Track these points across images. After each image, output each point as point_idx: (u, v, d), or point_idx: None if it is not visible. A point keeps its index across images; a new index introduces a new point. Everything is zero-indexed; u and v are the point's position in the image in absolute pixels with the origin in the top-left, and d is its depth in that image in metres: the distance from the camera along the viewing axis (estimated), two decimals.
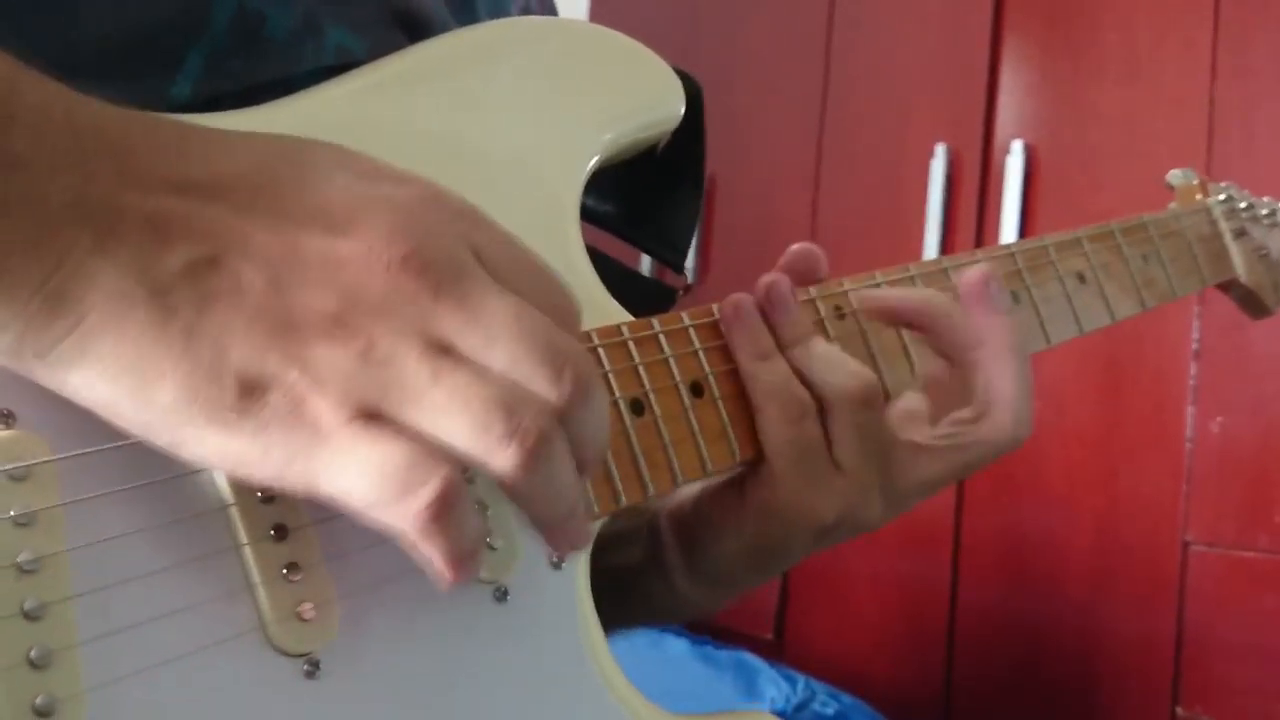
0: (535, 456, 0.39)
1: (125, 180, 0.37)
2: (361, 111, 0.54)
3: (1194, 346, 1.86)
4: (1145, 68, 1.95)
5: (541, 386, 0.40)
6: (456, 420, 0.38)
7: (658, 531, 0.65)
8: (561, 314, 0.43)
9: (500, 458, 0.39)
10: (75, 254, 0.36)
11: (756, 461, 0.60)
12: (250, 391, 0.37)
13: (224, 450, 0.38)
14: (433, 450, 0.38)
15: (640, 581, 0.66)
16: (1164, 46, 1.94)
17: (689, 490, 0.64)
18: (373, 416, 0.38)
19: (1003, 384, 0.63)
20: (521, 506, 0.41)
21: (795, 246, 0.64)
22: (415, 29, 0.60)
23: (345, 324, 0.38)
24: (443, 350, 0.39)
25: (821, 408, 0.59)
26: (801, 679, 1.95)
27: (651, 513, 0.66)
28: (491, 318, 0.39)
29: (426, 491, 0.37)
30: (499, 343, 0.39)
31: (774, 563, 0.63)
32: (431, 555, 0.39)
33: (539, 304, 0.41)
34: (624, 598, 0.65)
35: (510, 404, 0.39)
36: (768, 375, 0.59)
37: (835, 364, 0.60)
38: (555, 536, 0.44)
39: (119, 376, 0.36)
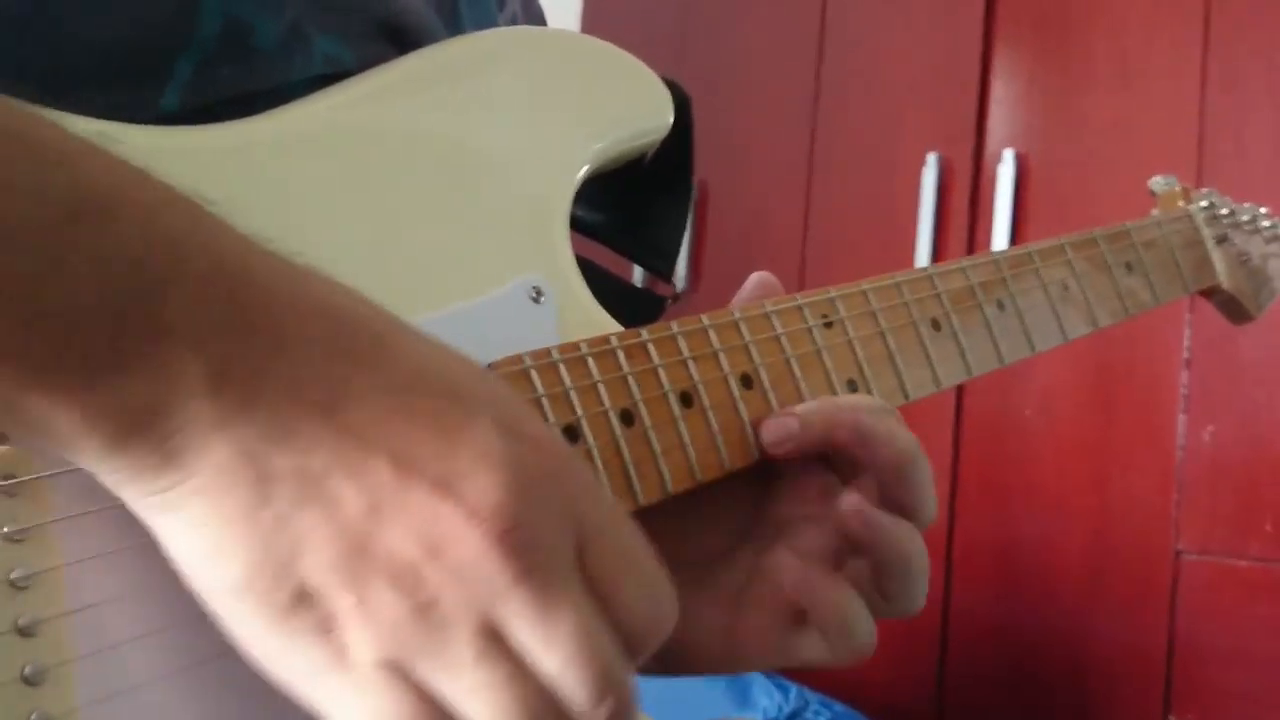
0: None
1: (269, 368, 0.37)
2: (352, 121, 0.54)
3: (1185, 355, 1.86)
4: (1136, 77, 1.96)
5: (579, 705, 0.39)
6: (473, 707, 0.38)
7: None
8: (643, 632, 0.42)
9: None
10: (199, 425, 0.36)
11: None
12: (301, 600, 0.37)
13: (253, 640, 0.38)
14: None
15: None
16: (1154, 55, 1.95)
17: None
18: (400, 669, 0.38)
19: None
20: None
21: (752, 277, 0.64)
22: (403, 40, 0.60)
23: (417, 576, 0.38)
24: (498, 636, 0.38)
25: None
26: (794, 687, 1.95)
27: None
28: (559, 623, 0.39)
29: None
30: (555, 650, 0.39)
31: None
32: None
33: (628, 608, 0.41)
34: None
35: (537, 716, 0.38)
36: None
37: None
38: None
39: (199, 539, 0.37)
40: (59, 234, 0.34)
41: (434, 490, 0.38)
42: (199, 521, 0.37)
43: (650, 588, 0.43)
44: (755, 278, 0.64)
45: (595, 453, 0.54)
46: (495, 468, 0.39)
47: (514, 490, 0.39)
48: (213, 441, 0.36)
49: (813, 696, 1.95)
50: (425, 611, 0.38)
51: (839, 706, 1.94)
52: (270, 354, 0.37)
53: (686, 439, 0.57)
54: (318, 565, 0.37)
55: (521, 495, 0.39)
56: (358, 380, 0.39)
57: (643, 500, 0.55)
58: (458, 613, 0.38)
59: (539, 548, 0.39)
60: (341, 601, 0.37)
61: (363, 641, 0.37)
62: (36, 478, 0.39)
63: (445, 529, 0.38)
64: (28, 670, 0.37)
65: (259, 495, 0.37)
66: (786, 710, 1.90)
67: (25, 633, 0.38)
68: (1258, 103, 1.85)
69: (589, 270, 0.59)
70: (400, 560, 0.38)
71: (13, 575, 0.38)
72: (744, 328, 0.61)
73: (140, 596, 0.41)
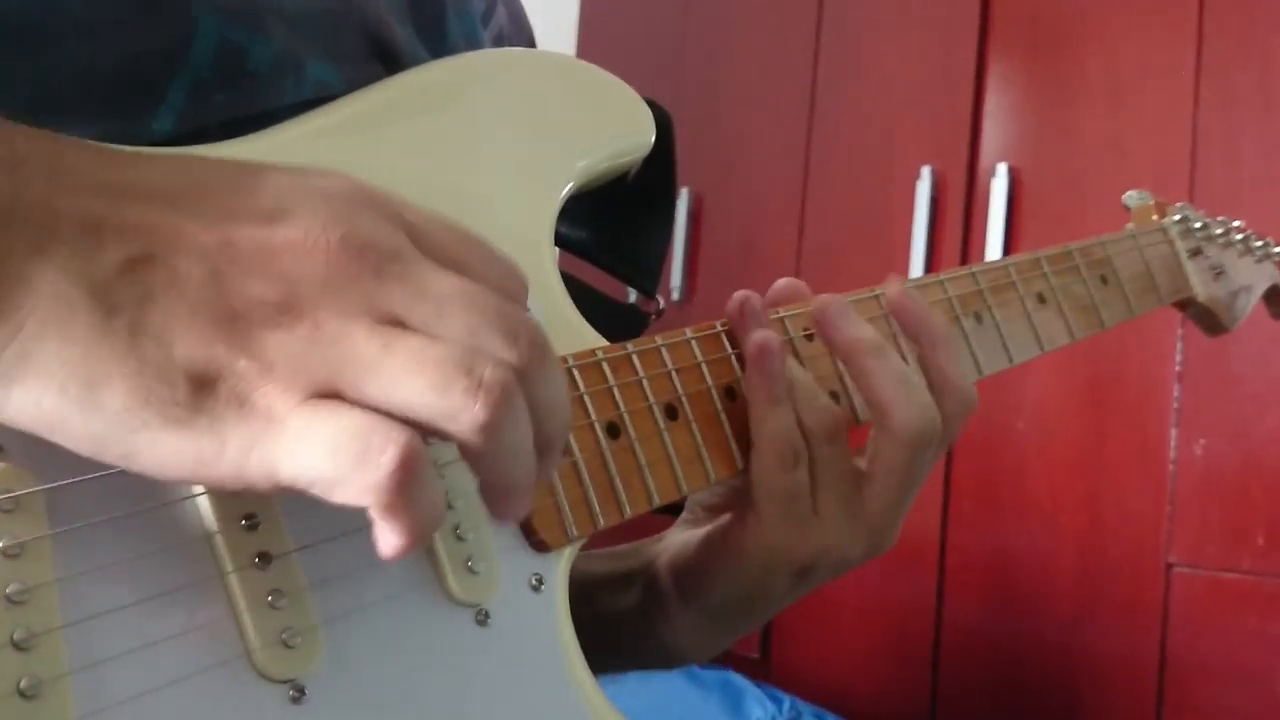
0: (499, 412, 0.37)
1: (57, 185, 0.36)
2: (337, 145, 0.54)
3: (1177, 369, 1.87)
4: (1128, 93, 1.97)
5: (498, 349, 0.39)
6: (414, 384, 0.37)
7: (655, 580, 0.66)
8: (509, 289, 0.42)
9: (464, 417, 0.37)
10: (12, 260, 0.35)
11: (741, 505, 0.61)
12: (201, 386, 0.36)
13: (180, 451, 0.36)
14: (388, 419, 0.36)
15: (636, 630, 0.67)
16: (1147, 72, 1.95)
17: (682, 538, 0.66)
18: (327, 396, 0.36)
19: (883, 384, 0.62)
20: (480, 470, 0.40)
21: (780, 282, 0.66)
22: (392, 61, 0.60)
23: (289, 309, 0.37)
24: (393, 323, 0.38)
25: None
26: (787, 699, 1.95)
27: (649, 559, 0.68)
28: (439, 291, 0.39)
29: (386, 460, 0.36)
30: (449, 312, 0.38)
31: (758, 604, 0.64)
32: (391, 527, 0.37)
33: (485, 279, 0.41)
34: (617, 644, 0.66)
35: (468, 363, 0.37)
36: (775, 423, 0.60)
37: (810, 396, 0.61)
38: (505, 505, 0.42)
39: (66, 385, 0.35)
40: None
41: (260, 232, 0.37)
42: (56, 365, 0.35)
43: (490, 252, 0.43)
44: (784, 282, 0.67)
45: (581, 465, 0.54)
46: (303, 197, 0.38)
47: (331, 206, 0.38)
48: (31, 272, 0.35)
49: (806, 707, 1.95)
50: (315, 334, 0.37)
51: (832, 717, 1.95)
52: (54, 173, 0.36)
53: (671, 451, 0.58)
54: (194, 346, 0.36)
55: (340, 208, 0.38)
56: (142, 175, 0.38)
57: (629, 513, 0.56)
58: (345, 321, 0.37)
59: (382, 242, 0.38)
60: (236, 365, 0.36)
61: (280, 391, 0.36)
62: (31, 492, 0.40)
63: (290, 259, 0.37)
64: (24, 684, 0.37)
65: (102, 308, 0.35)
66: None
67: (21, 647, 0.38)
68: (1249, 119, 1.86)
69: (574, 286, 0.60)
70: (265, 304, 0.37)
71: (9, 590, 0.38)
72: (726, 340, 0.61)
73: (135, 608, 0.41)
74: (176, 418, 0.35)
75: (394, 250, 0.39)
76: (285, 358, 0.36)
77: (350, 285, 0.37)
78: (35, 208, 0.35)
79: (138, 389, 0.35)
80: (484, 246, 0.43)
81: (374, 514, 0.36)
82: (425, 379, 0.37)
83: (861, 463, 0.63)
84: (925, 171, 2.11)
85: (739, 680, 1.97)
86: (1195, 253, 0.92)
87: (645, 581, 0.67)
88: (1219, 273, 0.93)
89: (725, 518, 0.63)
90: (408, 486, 0.36)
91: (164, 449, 0.36)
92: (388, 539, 0.37)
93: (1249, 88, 1.86)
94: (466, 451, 0.39)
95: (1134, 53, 1.97)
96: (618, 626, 0.67)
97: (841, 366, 0.64)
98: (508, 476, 0.40)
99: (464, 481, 0.51)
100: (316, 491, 0.36)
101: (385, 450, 0.36)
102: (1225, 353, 1.81)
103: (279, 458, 0.36)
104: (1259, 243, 0.99)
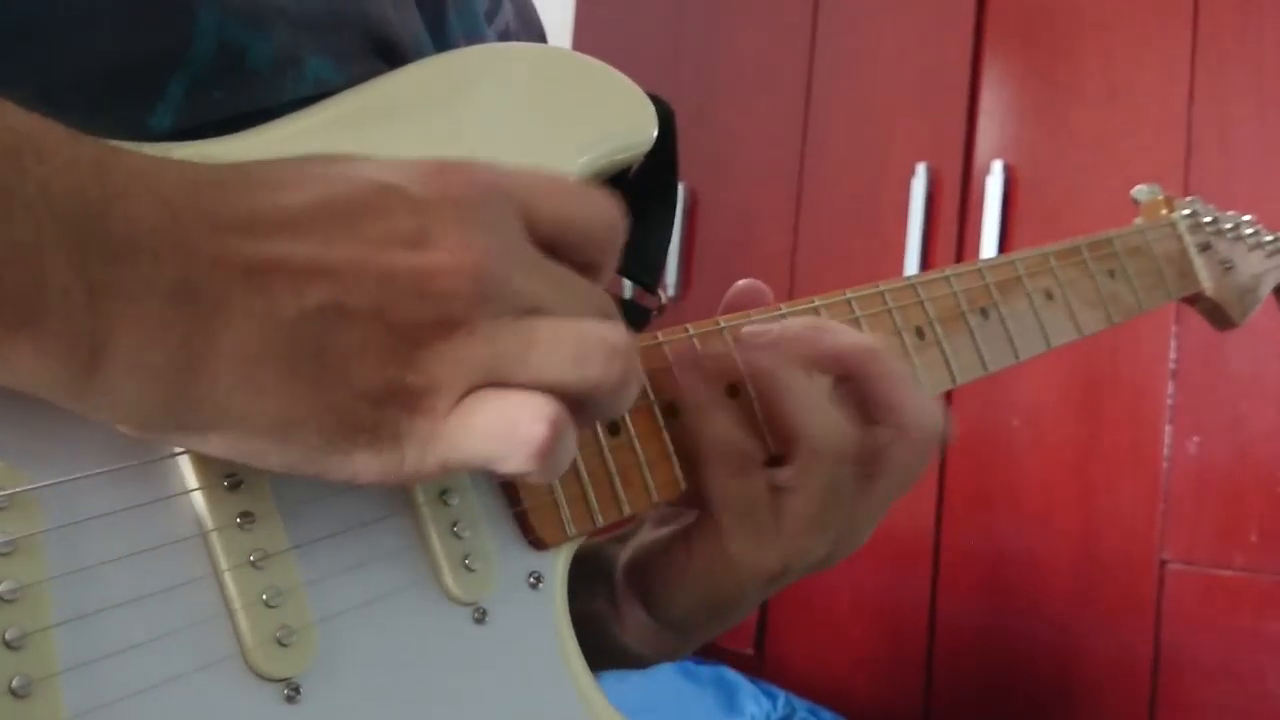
0: (629, 374, 0.44)
1: (218, 240, 0.38)
2: (334, 141, 0.54)
3: (1171, 366, 1.87)
4: (1123, 90, 1.97)
5: (611, 324, 0.44)
6: (558, 364, 0.42)
7: (614, 587, 0.64)
8: (601, 231, 0.47)
9: (606, 385, 0.43)
10: (196, 330, 0.37)
11: (703, 513, 0.58)
12: (377, 406, 0.40)
13: (368, 465, 0.41)
14: (534, 394, 0.41)
15: (602, 632, 0.64)
16: (1142, 69, 1.96)
17: (645, 543, 0.62)
18: (488, 384, 0.41)
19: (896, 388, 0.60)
20: (600, 412, 0.45)
21: (738, 284, 0.65)
22: (394, 56, 0.60)
23: (444, 323, 0.41)
24: (533, 312, 0.42)
25: (786, 453, 0.57)
26: (782, 695, 1.95)
27: (610, 561, 0.65)
28: (555, 277, 0.44)
29: (536, 434, 0.41)
30: (567, 297, 0.44)
31: (730, 612, 0.61)
32: (539, 477, 0.42)
33: (584, 232, 0.46)
34: (586, 647, 0.64)
35: (599, 335, 0.43)
36: (711, 427, 0.57)
37: (830, 419, 0.58)
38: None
39: (262, 431, 0.39)
40: (6, 168, 0.35)
41: (410, 258, 0.41)
42: (252, 414, 0.39)
43: (581, 198, 0.47)
44: (742, 284, 0.65)
45: (580, 462, 0.54)
46: (435, 210, 0.42)
47: (462, 221, 0.42)
48: (216, 337, 0.38)
49: (800, 703, 1.95)
50: (469, 341, 0.41)
51: (827, 714, 1.95)
52: (212, 225, 0.38)
53: (671, 449, 0.57)
54: (372, 376, 0.40)
55: (468, 214, 0.42)
56: (284, 209, 0.40)
57: (628, 510, 0.55)
58: (491, 324, 0.41)
59: (510, 249, 0.43)
60: (405, 381, 0.40)
61: (441, 395, 0.41)
62: (24, 490, 0.39)
63: (442, 281, 0.41)
64: (15, 683, 0.37)
65: (287, 356, 0.39)
66: (774, 717, 1.91)
67: (12, 645, 0.38)
68: (1244, 116, 1.86)
69: None
70: (426, 323, 0.40)
71: (0, 588, 0.38)
72: (729, 338, 0.61)
73: (129, 606, 0.41)
74: (365, 441, 0.40)
75: (519, 249, 0.44)
76: (443, 366, 0.41)
77: (494, 292, 0.42)
78: (207, 278, 0.38)
79: (327, 426, 0.40)
80: (571, 192, 0.48)
81: (522, 473, 0.42)
82: (566, 356, 0.42)
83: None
84: (920, 168, 2.11)
85: (733, 676, 1.97)
86: (1204, 247, 0.91)
87: (608, 586, 0.65)
88: (1228, 267, 0.93)
89: (687, 522, 0.60)
90: (552, 453, 0.41)
91: (355, 466, 0.41)
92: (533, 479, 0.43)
93: (1244, 85, 1.87)
94: (599, 396, 0.44)
95: (1129, 50, 1.97)
96: (584, 630, 0.65)
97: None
98: (624, 409, 0.46)
99: (461, 477, 0.50)
100: (487, 469, 0.42)
101: (534, 426, 0.41)
102: (1219, 350, 1.81)
103: (448, 453, 0.41)
104: (1269, 237, 0.99)
